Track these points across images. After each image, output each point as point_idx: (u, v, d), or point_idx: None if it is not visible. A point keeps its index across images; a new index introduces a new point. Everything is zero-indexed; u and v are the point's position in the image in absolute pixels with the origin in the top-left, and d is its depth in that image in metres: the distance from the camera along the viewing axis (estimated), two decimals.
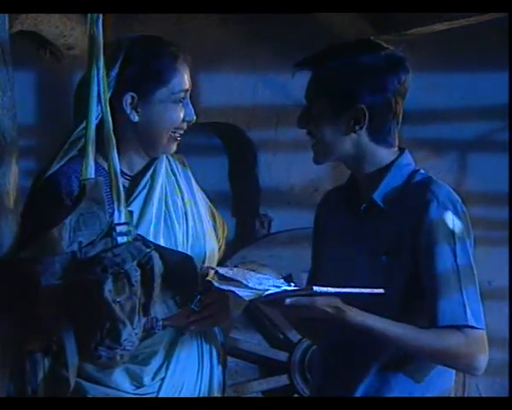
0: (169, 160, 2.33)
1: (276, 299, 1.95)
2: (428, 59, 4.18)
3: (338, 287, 1.91)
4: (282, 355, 4.20)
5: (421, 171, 2.15)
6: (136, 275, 2.00)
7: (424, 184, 2.08)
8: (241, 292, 1.98)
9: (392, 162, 2.13)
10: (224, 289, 2.02)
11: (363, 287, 1.96)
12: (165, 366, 2.20)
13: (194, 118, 2.26)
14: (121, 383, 2.17)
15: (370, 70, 2.08)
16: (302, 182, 4.19)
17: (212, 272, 2.09)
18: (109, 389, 2.17)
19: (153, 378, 2.19)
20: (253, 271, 2.10)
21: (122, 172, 2.17)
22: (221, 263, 2.37)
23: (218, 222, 2.41)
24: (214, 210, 2.42)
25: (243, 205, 4.33)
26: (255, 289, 2.00)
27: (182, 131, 2.25)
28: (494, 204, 4.28)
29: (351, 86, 2.07)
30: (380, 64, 2.10)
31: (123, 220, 2.07)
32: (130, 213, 2.11)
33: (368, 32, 4.01)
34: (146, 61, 2.17)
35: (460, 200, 2.09)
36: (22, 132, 2.20)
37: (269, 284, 2.04)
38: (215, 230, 2.38)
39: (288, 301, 1.92)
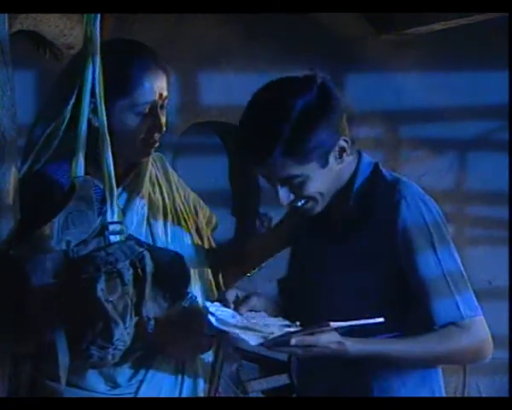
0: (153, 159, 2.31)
1: (282, 341, 1.93)
2: (428, 59, 4.19)
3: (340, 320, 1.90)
4: (283, 355, 4.20)
5: (381, 167, 2.10)
6: (129, 274, 1.99)
7: (390, 183, 2.05)
8: (246, 337, 1.95)
9: (356, 168, 2.08)
10: (226, 331, 1.98)
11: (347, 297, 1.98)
12: (144, 368, 2.19)
13: (163, 130, 2.17)
14: (95, 384, 2.16)
15: (321, 109, 1.98)
16: None
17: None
18: (84, 391, 2.15)
19: (129, 380, 2.18)
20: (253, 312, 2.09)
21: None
22: (209, 252, 2.36)
23: (202, 214, 2.40)
24: (198, 203, 2.40)
25: (243, 204, 4.33)
26: (261, 331, 1.99)
27: (152, 141, 2.18)
28: (494, 204, 4.28)
29: (317, 137, 1.96)
30: (318, 101, 1.99)
31: (116, 219, 2.06)
32: (123, 212, 2.10)
33: (368, 32, 4.02)
34: (110, 69, 2.08)
35: (429, 197, 2.05)
36: (22, 132, 2.20)
37: (273, 324, 2.03)
38: (198, 223, 2.36)
39: (293, 341, 1.90)
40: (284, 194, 2.03)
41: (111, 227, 2.05)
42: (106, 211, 2.06)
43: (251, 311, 2.07)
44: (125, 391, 2.18)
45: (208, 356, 2.27)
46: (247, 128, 2.03)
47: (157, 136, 2.18)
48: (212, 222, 2.44)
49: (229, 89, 4.13)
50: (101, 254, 1.99)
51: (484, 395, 4.36)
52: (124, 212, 2.17)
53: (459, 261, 2.03)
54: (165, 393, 2.21)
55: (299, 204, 2.05)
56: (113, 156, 2.12)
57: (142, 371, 2.19)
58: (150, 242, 2.19)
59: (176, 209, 2.31)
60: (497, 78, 4.19)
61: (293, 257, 2.29)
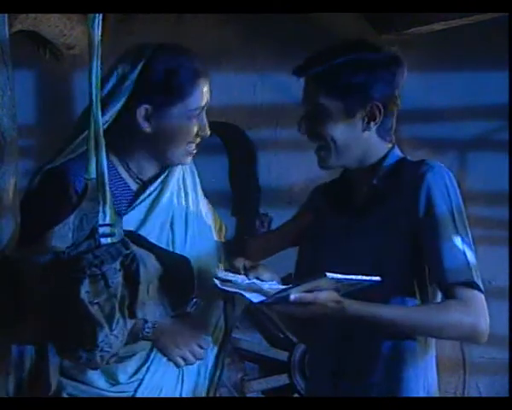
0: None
1: (282, 298, 1.95)
2: (428, 59, 4.19)
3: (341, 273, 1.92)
4: (283, 355, 4.20)
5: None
6: (116, 277, 1.99)
7: (419, 161, 2.12)
8: (247, 295, 1.97)
9: (387, 153, 2.15)
10: (229, 291, 2.01)
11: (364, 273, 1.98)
12: (145, 367, 2.19)
13: (208, 133, 2.24)
14: (96, 380, 2.17)
15: (378, 66, 2.09)
16: (302, 181, 4.18)
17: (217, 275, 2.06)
18: (84, 385, 2.17)
19: (130, 377, 2.19)
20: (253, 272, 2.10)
21: (136, 176, 2.19)
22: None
23: (215, 222, 2.41)
24: (213, 210, 2.42)
25: (243, 204, 4.33)
26: (261, 289, 2.00)
27: (196, 145, 2.23)
28: (494, 204, 4.28)
29: (363, 83, 2.06)
30: (384, 60, 2.11)
31: (108, 222, 2.06)
32: (118, 214, 2.10)
33: (368, 32, 4.01)
34: (166, 75, 2.15)
35: (452, 174, 2.12)
36: (22, 132, 2.20)
37: (272, 286, 2.04)
38: (214, 230, 2.37)
39: (292, 296, 1.92)
40: (308, 124, 2.12)
41: (101, 230, 2.04)
42: (98, 213, 2.06)
43: (258, 279, 2.09)
44: (125, 389, 2.19)
45: (209, 355, 2.28)
46: (317, 52, 2.13)
47: (203, 138, 2.23)
48: (222, 230, 2.45)
49: (229, 89, 4.13)
50: (88, 257, 1.99)
51: (484, 395, 4.35)
52: (148, 213, 2.19)
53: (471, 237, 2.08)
54: (165, 393, 2.21)
55: (318, 150, 2.12)
56: (152, 158, 2.20)
57: (143, 370, 2.19)
58: (171, 245, 2.21)
59: (198, 215, 2.32)
60: (497, 78, 4.19)
61: (303, 251, 2.30)
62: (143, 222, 2.19)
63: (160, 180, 2.24)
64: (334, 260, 2.14)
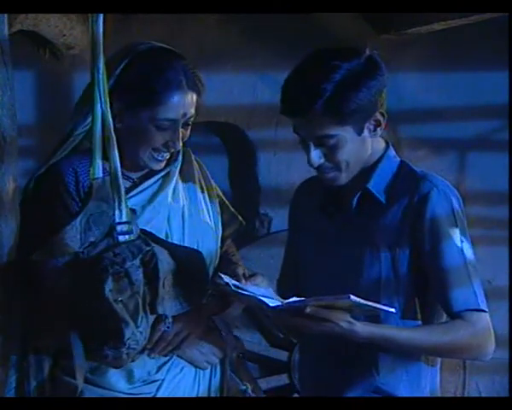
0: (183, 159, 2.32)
1: (296, 308, 1.94)
2: (428, 59, 4.18)
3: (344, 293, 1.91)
4: (283, 354, 4.20)
5: (409, 163, 2.17)
6: (138, 273, 2.00)
7: (421, 176, 2.10)
8: (264, 298, 1.97)
9: (382, 155, 2.14)
10: (244, 294, 2.01)
11: (357, 283, 2.01)
12: (166, 367, 2.19)
13: (178, 148, 2.20)
14: (115, 383, 2.16)
15: (370, 76, 2.05)
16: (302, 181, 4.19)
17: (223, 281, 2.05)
18: (104, 389, 2.16)
19: (149, 377, 2.18)
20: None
21: (122, 173, 2.16)
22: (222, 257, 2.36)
23: (226, 218, 2.40)
24: (224, 206, 2.40)
25: (243, 204, 4.32)
26: (271, 298, 2.00)
27: (165, 155, 2.20)
28: (494, 204, 4.28)
29: (365, 100, 2.02)
30: (371, 68, 2.06)
31: (124, 219, 2.06)
32: (133, 211, 2.10)
33: (368, 32, 4.01)
34: (142, 77, 2.12)
35: (456, 191, 2.10)
36: (22, 132, 2.20)
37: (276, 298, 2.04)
38: (219, 228, 2.36)
39: (308, 309, 1.92)
40: (316, 155, 2.07)
41: (119, 228, 2.06)
42: (114, 211, 2.06)
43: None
44: (145, 390, 2.18)
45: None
46: (292, 84, 2.06)
47: (171, 150, 2.20)
48: (230, 227, 2.44)
49: (229, 88, 4.13)
50: (108, 255, 2.00)
51: (484, 395, 4.35)
52: (146, 204, 2.18)
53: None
54: (183, 394, 2.21)
55: (327, 170, 2.09)
56: (132, 157, 2.18)
57: (164, 370, 2.19)
58: (167, 236, 2.20)
59: (197, 212, 2.30)
60: (497, 78, 4.19)
61: (291, 251, 2.30)
62: (138, 217, 2.16)
63: (155, 179, 2.23)
64: (323, 263, 2.14)
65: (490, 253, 4.09)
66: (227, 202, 2.44)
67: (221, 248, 2.36)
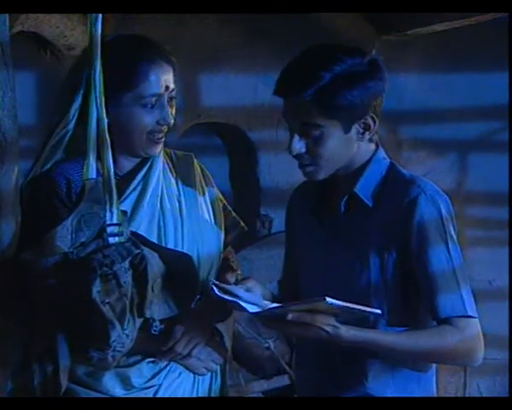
0: (172, 159, 2.31)
1: (278, 314, 1.93)
2: (428, 59, 4.19)
3: (335, 297, 1.89)
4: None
5: (398, 165, 2.13)
6: (126, 276, 1.99)
7: (409, 180, 2.07)
8: (244, 304, 1.96)
9: (371, 158, 2.11)
10: (227, 300, 1.99)
11: (349, 288, 1.99)
12: (163, 372, 2.19)
13: (171, 121, 2.18)
14: (112, 388, 2.16)
15: (366, 77, 2.03)
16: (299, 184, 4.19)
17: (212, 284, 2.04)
18: (100, 393, 2.15)
19: (146, 382, 2.18)
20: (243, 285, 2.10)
21: (116, 174, 2.14)
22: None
23: (228, 224, 2.39)
24: (226, 211, 2.40)
25: (244, 205, 4.33)
26: (256, 304, 2.00)
27: (161, 134, 2.18)
28: (494, 204, 4.28)
29: (357, 98, 2.00)
30: (369, 68, 2.05)
31: (115, 221, 2.06)
32: (124, 213, 2.10)
33: (368, 32, 4.02)
34: (113, 65, 2.10)
35: (446, 197, 2.08)
36: (23, 133, 2.20)
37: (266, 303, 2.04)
38: (221, 231, 2.36)
39: (290, 316, 1.91)
40: (297, 143, 2.06)
41: (109, 229, 2.04)
42: (105, 213, 2.06)
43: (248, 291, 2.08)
44: (141, 395, 2.17)
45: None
46: (291, 66, 2.04)
47: (165, 128, 2.18)
48: (233, 232, 2.43)
49: (229, 89, 4.13)
50: (97, 257, 1.99)
51: (484, 396, 4.35)
52: (134, 207, 2.17)
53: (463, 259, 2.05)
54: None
55: (306, 162, 2.07)
56: (122, 151, 2.16)
57: (161, 376, 2.19)
58: (161, 243, 2.18)
59: (196, 213, 2.29)
60: (497, 78, 4.19)
61: (289, 253, 2.30)
62: (130, 219, 2.15)
63: (140, 175, 2.22)
64: (317, 268, 2.14)
65: (490, 253, 4.10)
66: (229, 207, 2.43)
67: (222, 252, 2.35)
